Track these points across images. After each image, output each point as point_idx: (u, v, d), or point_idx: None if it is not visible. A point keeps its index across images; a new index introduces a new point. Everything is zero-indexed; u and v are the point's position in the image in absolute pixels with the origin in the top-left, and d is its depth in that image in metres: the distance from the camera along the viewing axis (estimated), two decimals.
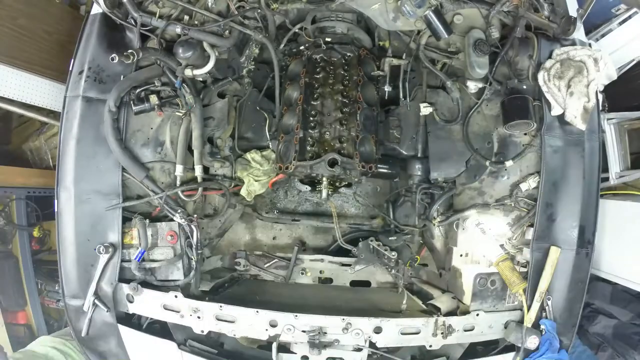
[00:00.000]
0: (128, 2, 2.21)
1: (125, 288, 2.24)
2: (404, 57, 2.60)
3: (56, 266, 2.32)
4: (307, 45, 2.71)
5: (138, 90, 2.26)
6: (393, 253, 2.68)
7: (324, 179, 2.44)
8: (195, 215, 2.31)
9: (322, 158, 2.30)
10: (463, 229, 2.53)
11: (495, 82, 2.45)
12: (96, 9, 2.34)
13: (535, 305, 2.29)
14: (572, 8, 2.51)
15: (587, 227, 2.35)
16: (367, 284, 3.11)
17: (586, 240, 2.36)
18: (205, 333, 2.25)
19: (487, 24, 2.40)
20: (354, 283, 3.08)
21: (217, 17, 2.31)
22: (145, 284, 2.26)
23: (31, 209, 4.31)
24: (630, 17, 3.10)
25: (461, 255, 2.52)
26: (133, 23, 2.26)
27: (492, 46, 2.38)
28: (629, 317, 3.30)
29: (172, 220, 2.28)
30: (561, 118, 2.31)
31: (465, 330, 2.29)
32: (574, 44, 2.41)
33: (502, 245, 2.40)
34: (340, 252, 3.04)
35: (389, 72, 2.63)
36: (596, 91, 2.34)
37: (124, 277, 2.25)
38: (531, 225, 2.34)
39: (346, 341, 2.18)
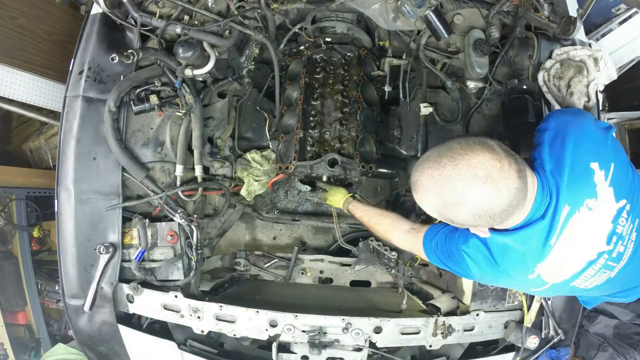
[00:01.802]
0: (128, 2, 2.20)
1: (126, 288, 2.23)
2: (404, 57, 2.59)
3: (56, 266, 2.31)
4: (307, 45, 2.70)
5: (138, 90, 2.25)
6: (393, 253, 2.67)
7: (324, 178, 2.44)
8: (195, 215, 2.31)
9: (322, 158, 2.30)
10: None
11: (495, 82, 2.44)
12: (96, 9, 2.33)
13: (535, 305, 2.28)
14: (572, 8, 2.51)
15: None
16: (367, 284, 3.10)
17: None
18: (205, 333, 2.25)
19: (487, 24, 2.40)
20: (354, 283, 3.08)
21: (217, 17, 2.31)
22: (145, 284, 2.25)
23: (31, 209, 4.30)
24: (630, 17, 3.10)
25: None
26: (133, 23, 2.26)
27: (492, 46, 2.37)
28: (630, 317, 3.31)
29: (172, 220, 2.28)
30: None
31: (465, 330, 2.29)
32: (574, 43, 2.41)
33: None
34: (340, 252, 3.04)
35: (389, 72, 2.62)
36: (596, 91, 2.34)
37: (124, 277, 2.25)
38: None
39: (346, 341, 2.18)
